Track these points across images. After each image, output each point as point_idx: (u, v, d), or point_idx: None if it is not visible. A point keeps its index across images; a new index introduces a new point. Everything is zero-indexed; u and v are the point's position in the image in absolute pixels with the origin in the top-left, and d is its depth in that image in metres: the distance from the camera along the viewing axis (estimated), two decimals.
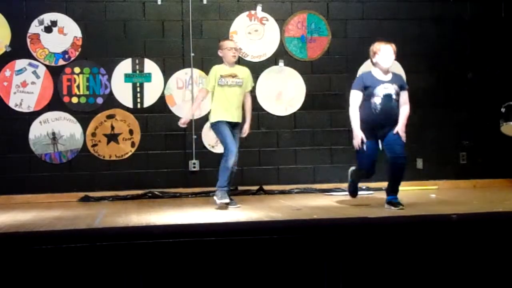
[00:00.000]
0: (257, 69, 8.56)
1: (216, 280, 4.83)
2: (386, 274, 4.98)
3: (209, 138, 8.34)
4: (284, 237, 4.99)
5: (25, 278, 4.66)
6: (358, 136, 6.29)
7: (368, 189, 7.97)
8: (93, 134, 8.29)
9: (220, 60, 7.03)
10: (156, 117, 8.42)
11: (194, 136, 8.42)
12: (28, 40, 8.20)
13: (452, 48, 8.91)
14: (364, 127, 6.32)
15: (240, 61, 8.54)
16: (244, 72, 7.02)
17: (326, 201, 7.29)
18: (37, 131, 8.19)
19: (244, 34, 8.58)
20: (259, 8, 8.60)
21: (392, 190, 6.33)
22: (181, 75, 8.47)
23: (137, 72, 8.39)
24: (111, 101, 8.33)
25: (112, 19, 8.37)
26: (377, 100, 6.29)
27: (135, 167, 8.34)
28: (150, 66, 8.40)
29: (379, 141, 6.36)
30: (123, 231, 5.21)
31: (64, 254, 4.71)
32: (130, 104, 8.38)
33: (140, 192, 8.20)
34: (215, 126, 6.88)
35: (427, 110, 8.80)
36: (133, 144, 8.37)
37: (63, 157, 8.24)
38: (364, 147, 6.29)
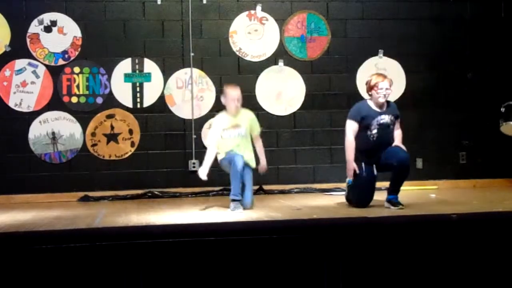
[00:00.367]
0: (256, 69, 8.57)
1: (216, 280, 4.83)
2: (386, 274, 4.98)
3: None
4: (284, 237, 4.99)
5: (25, 278, 4.66)
6: (351, 167, 6.40)
7: None
8: (93, 134, 8.29)
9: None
10: (156, 117, 8.41)
11: (194, 136, 8.42)
12: (28, 40, 8.20)
13: (452, 48, 8.90)
14: (361, 152, 6.43)
15: (240, 61, 8.57)
16: (247, 119, 6.76)
17: (326, 201, 7.29)
18: (37, 131, 8.19)
19: (243, 34, 8.58)
20: (258, 8, 8.59)
21: (394, 190, 6.37)
22: (181, 75, 8.47)
23: (137, 72, 8.39)
24: (110, 101, 8.33)
25: (112, 19, 8.37)
26: (373, 131, 6.42)
27: (135, 167, 8.33)
28: (149, 66, 8.40)
29: (374, 167, 6.45)
30: (122, 231, 5.21)
31: (64, 254, 4.71)
32: (129, 104, 8.38)
33: (139, 192, 8.20)
34: (223, 159, 6.70)
35: (427, 110, 8.81)
36: (132, 144, 8.36)
37: (62, 156, 8.24)
38: (363, 170, 6.39)
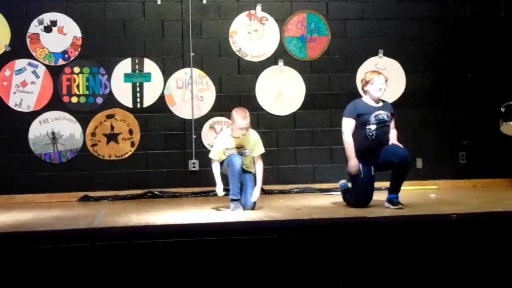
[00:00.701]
0: (256, 69, 8.57)
1: (216, 280, 4.83)
2: (386, 274, 4.98)
3: (208, 138, 8.35)
4: (284, 236, 4.99)
5: (25, 278, 4.66)
6: (355, 163, 6.38)
7: None
8: (93, 134, 8.29)
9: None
10: (156, 117, 8.42)
11: (194, 136, 8.42)
12: (28, 40, 8.20)
13: (452, 48, 8.91)
14: (359, 152, 6.42)
15: (240, 61, 8.57)
16: (251, 141, 6.62)
17: (325, 201, 7.29)
18: (37, 130, 8.19)
19: (243, 33, 8.58)
20: (258, 7, 8.59)
21: (395, 189, 6.37)
22: (181, 74, 8.47)
23: (137, 71, 8.39)
24: (110, 101, 8.33)
25: (111, 19, 8.37)
26: (372, 127, 6.41)
27: (135, 167, 8.34)
28: (149, 65, 8.40)
29: (372, 168, 6.45)
30: (122, 231, 5.21)
31: (64, 253, 4.71)
32: (129, 104, 8.38)
33: (139, 192, 8.20)
34: (221, 163, 6.66)
35: (427, 110, 8.81)
36: (132, 144, 8.37)
37: (62, 156, 8.24)
38: (361, 171, 6.39)
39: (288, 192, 8.30)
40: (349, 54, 8.73)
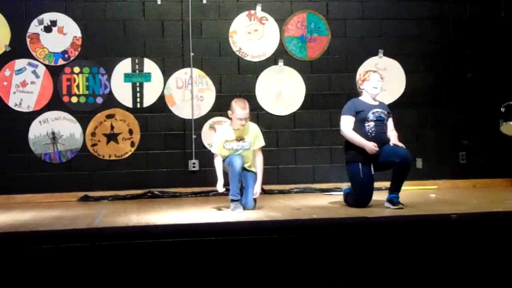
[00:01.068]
0: (256, 69, 8.57)
1: (216, 280, 4.83)
2: (386, 274, 4.98)
3: (208, 138, 8.34)
4: (284, 236, 4.99)
5: (25, 278, 4.66)
6: (368, 144, 6.35)
7: None
8: (93, 134, 8.29)
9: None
10: (156, 117, 8.42)
11: (194, 136, 8.42)
12: (28, 40, 8.20)
13: (452, 48, 8.91)
14: (359, 151, 6.42)
15: (240, 61, 8.57)
16: (251, 133, 6.67)
17: (325, 201, 7.29)
18: (37, 130, 8.19)
19: (243, 33, 8.58)
20: (258, 7, 8.59)
21: (395, 189, 6.37)
22: (181, 74, 8.47)
23: (137, 71, 8.39)
24: (110, 101, 8.33)
25: (111, 19, 8.37)
26: (371, 124, 6.45)
27: (135, 166, 8.34)
28: (149, 65, 8.40)
29: (372, 167, 6.46)
30: (122, 231, 5.21)
31: (64, 253, 4.71)
32: (129, 104, 8.38)
33: (139, 191, 8.20)
34: (223, 161, 6.65)
35: (427, 110, 8.81)
36: (132, 144, 8.36)
37: (62, 156, 8.24)
38: (360, 170, 6.39)
39: (288, 192, 8.30)
40: (349, 54, 8.73)
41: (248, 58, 8.57)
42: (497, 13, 8.99)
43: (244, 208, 6.44)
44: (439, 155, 8.81)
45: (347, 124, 6.48)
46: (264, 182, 7.92)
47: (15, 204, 7.80)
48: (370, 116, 6.44)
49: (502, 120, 7.71)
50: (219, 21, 8.55)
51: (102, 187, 8.21)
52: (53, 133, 8.21)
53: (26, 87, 8.18)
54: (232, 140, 6.61)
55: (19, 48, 8.16)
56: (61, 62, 8.26)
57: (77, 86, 8.29)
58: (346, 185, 6.99)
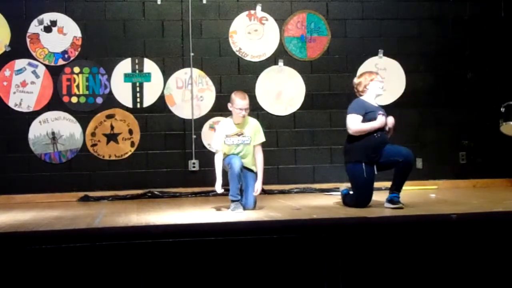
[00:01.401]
0: (256, 69, 8.58)
1: (216, 280, 4.83)
2: (386, 274, 4.97)
3: (208, 138, 8.34)
4: (284, 236, 4.99)
5: (25, 278, 4.66)
6: (378, 122, 6.34)
7: None
8: (93, 134, 8.29)
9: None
10: (156, 117, 8.42)
11: (194, 136, 8.42)
12: (28, 40, 8.21)
13: (452, 48, 8.91)
14: (362, 152, 6.40)
15: (240, 61, 8.57)
16: (252, 128, 6.68)
17: (325, 201, 7.29)
18: (37, 130, 8.19)
19: (243, 33, 8.58)
20: (258, 7, 8.60)
21: (397, 189, 6.37)
22: (181, 74, 8.47)
23: (137, 71, 8.39)
24: (110, 101, 8.33)
25: (111, 19, 8.38)
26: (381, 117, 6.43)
27: (135, 166, 8.34)
28: (149, 65, 8.40)
29: (374, 167, 6.44)
30: (122, 231, 5.21)
31: (64, 253, 4.71)
32: (129, 104, 8.38)
33: (139, 192, 8.20)
34: (223, 160, 6.64)
35: (427, 110, 8.82)
36: (132, 144, 8.37)
37: (62, 156, 8.24)
38: (364, 169, 6.38)
39: (288, 192, 8.31)
40: (349, 54, 8.73)
41: (248, 58, 8.57)
42: (497, 13, 8.99)
43: (244, 208, 6.45)
44: (439, 155, 8.81)
45: (355, 121, 6.42)
46: (264, 182, 7.91)
47: (15, 204, 7.80)
48: (378, 117, 6.43)
49: (502, 120, 7.71)
50: (219, 21, 8.56)
51: (102, 187, 8.21)
52: (53, 133, 8.21)
53: (26, 87, 8.18)
54: (233, 134, 6.62)
55: (19, 48, 8.17)
56: (61, 62, 8.26)
57: (77, 86, 8.29)
58: (345, 186, 6.97)
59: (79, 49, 8.29)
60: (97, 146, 8.30)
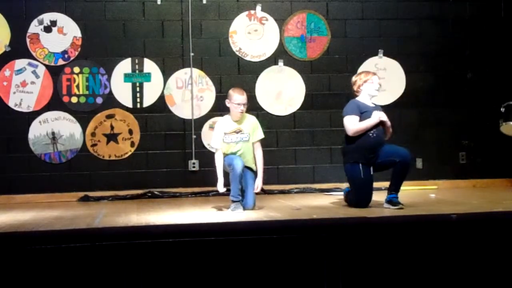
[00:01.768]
0: (256, 69, 8.58)
1: (216, 280, 4.83)
2: (386, 274, 4.98)
3: (208, 138, 8.34)
4: (284, 236, 4.99)
5: (25, 278, 4.66)
6: (374, 118, 6.35)
7: None
8: (93, 134, 8.29)
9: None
10: (156, 117, 8.42)
11: (194, 136, 8.42)
12: (28, 40, 8.20)
13: (452, 48, 8.91)
14: (359, 152, 6.41)
15: (240, 61, 8.57)
16: (250, 125, 6.69)
17: (325, 201, 7.29)
18: (37, 130, 8.19)
19: (243, 34, 8.58)
20: (258, 8, 8.60)
21: (395, 189, 6.37)
22: (181, 74, 8.47)
23: (137, 72, 8.39)
24: (110, 101, 8.33)
25: (111, 19, 8.37)
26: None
27: (135, 167, 8.34)
28: (149, 66, 8.40)
29: (371, 168, 6.44)
30: (122, 231, 5.21)
31: (64, 253, 4.71)
32: (129, 104, 8.38)
33: (139, 192, 8.20)
34: (224, 159, 6.63)
35: (427, 110, 8.82)
36: (132, 144, 8.37)
37: (62, 157, 8.24)
38: (361, 170, 6.38)
39: (288, 192, 8.30)
40: (349, 54, 8.73)
41: (248, 58, 8.57)
42: (497, 13, 8.99)
43: (244, 208, 6.44)
44: (439, 155, 8.81)
45: (352, 122, 6.43)
46: (264, 182, 7.92)
47: (15, 204, 7.80)
48: (374, 113, 6.42)
49: (502, 120, 7.71)
50: (219, 21, 8.55)
51: (102, 187, 8.21)
52: (53, 133, 8.21)
53: (26, 87, 8.18)
54: (231, 132, 6.62)
55: (19, 48, 8.17)
56: (61, 62, 8.26)
57: (77, 86, 8.29)
58: (346, 186, 6.99)
59: (79, 49, 8.29)
60: (97, 146, 8.30)
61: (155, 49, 8.43)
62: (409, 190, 7.75)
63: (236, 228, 5.26)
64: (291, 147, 8.62)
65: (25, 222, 6.00)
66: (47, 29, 8.24)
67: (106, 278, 4.72)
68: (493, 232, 5.15)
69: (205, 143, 8.40)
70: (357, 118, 6.43)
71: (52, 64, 8.24)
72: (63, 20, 8.27)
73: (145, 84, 8.40)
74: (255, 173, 6.69)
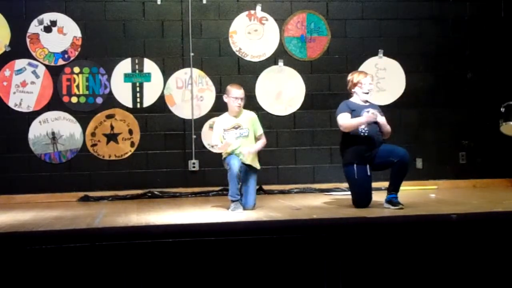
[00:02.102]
0: (256, 69, 8.57)
1: (216, 280, 4.83)
2: (386, 274, 4.98)
3: (208, 138, 8.35)
4: (284, 236, 4.99)
5: (25, 278, 4.66)
6: (363, 117, 6.35)
7: None
8: (93, 134, 8.29)
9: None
10: (156, 117, 8.42)
11: (194, 136, 8.42)
12: (28, 40, 8.20)
13: (452, 48, 8.91)
14: (353, 153, 6.43)
15: (240, 61, 8.57)
16: (248, 120, 6.74)
17: (325, 201, 7.29)
18: (37, 131, 8.19)
19: (243, 34, 8.58)
20: (258, 8, 8.60)
21: (394, 189, 6.37)
22: (181, 74, 8.47)
23: (137, 72, 8.39)
24: (110, 101, 8.33)
25: (111, 19, 8.37)
26: (364, 124, 6.41)
27: (135, 167, 8.34)
28: (149, 66, 8.40)
29: (368, 168, 6.43)
30: (122, 231, 5.21)
31: (64, 254, 4.71)
32: (129, 104, 8.38)
33: (139, 192, 8.20)
34: (224, 159, 6.66)
35: (427, 110, 8.82)
36: (132, 144, 8.37)
37: (62, 157, 8.24)
38: (355, 170, 6.38)
39: (288, 192, 8.30)
40: (349, 54, 8.73)
41: (248, 58, 8.57)
42: (497, 13, 8.99)
43: (244, 208, 6.45)
44: (439, 155, 8.81)
45: (345, 118, 6.47)
46: (264, 182, 7.96)
47: (15, 204, 7.80)
48: (363, 115, 6.43)
49: (502, 120, 7.71)
50: (219, 21, 8.55)
51: (102, 187, 8.21)
52: (53, 133, 8.21)
53: (26, 87, 8.18)
54: (230, 128, 6.64)
55: (19, 48, 8.17)
56: (61, 62, 8.26)
57: (77, 86, 8.29)
58: (346, 186, 6.99)
59: (79, 49, 8.29)
60: (97, 146, 8.30)
61: (155, 49, 8.43)
62: (409, 190, 7.75)
63: (236, 228, 5.26)
64: (291, 147, 8.62)
65: (25, 222, 6.01)
66: (47, 29, 8.24)
67: (106, 278, 4.72)
68: (493, 232, 5.15)
69: (205, 143, 8.40)
70: (348, 115, 6.47)
71: (52, 64, 8.24)
72: (63, 20, 8.27)
73: (145, 84, 8.40)
74: (256, 172, 6.70)
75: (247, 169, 6.58)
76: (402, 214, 5.91)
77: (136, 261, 4.74)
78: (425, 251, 5.02)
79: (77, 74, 8.28)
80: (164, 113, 8.42)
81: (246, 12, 8.59)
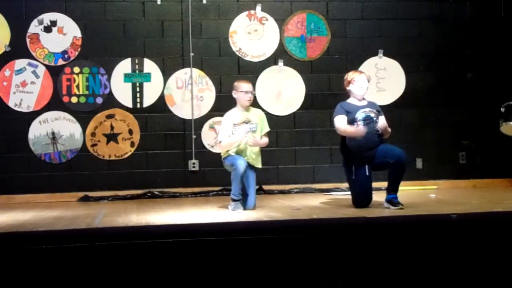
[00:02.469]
0: (256, 69, 8.57)
1: (216, 280, 4.84)
2: (386, 274, 4.98)
3: (208, 138, 8.35)
4: (284, 236, 4.99)
5: (25, 278, 4.66)
6: (357, 130, 6.35)
7: None
8: (93, 134, 8.29)
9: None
10: (156, 117, 8.42)
11: (194, 136, 8.42)
12: (28, 40, 8.20)
13: (452, 48, 8.91)
14: (351, 154, 6.45)
15: (240, 61, 8.57)
16: (258, 116, 6.79)
17: (325, 201, 7.29)
18: (37, 131, 8.19)
19: (243, 34, 8.58)
20: (258, 8, 8.59)
21: (393, 189, 6.36)
22: (181, 74, 8.47)
23: (137, 72, 8.39)
24: (110, 101, 8.33)
25: (111, 19, 8.37)
26: (360, 124, 6.42)
27: (135, 167, 8.34)
28: (149, 66, 8.40)
29: (367, 168, 6.42)
30: (122, 231, 5.21)
31: (64, 254, 4.71)
32: (129, 104, 8.38)
33: (139, 192, 8.20)
34: (226, 159, 6.66)
35: (426, 110, 8.81)
36: (132, 144, 8.36)
37: (62, 157, 8.24)
38: (353, 171, 6.39)
39: (288, 192, 8.30)
40: (349, 54, 8.73)
41: (248, 58, 8.57)
42: (497, 13, 8.99)
43: (245, 208, 6.45)
44: (439, 155, 8.81)
45: (340, 121, 6.49)
46: (264, 182, 7.96)
47: (15, 204, 7.80)
48: (358, 116, 6.44)
49: (502, 120, 7.70)
50: (219, 21, 8.55)
51: (102, 187, 8.21)
52: (53, 133, 8.21)
53: (26, 87, 8.18)
54: (240, 122, 6.63)
55: (19, 48, 8.16)
56: (61, 62, 8.26)
57: (77, 86, 8.29)
58: (346, 186, 6.99)
59: (79, 49, 8.29)
60: (97, 146, 8.30)
61: (155, 49, 8.43)
62: (409, 190, 7.75)
63: (236, 228, 5.26)
64: (291, 147, 8.62)
65: (25, 222, 6.01)
66: (47, 29, 8.24)
67: (106, 278, 4.72)
68: (493, 232, 5.15)
69: (205, 143, 8.40)
70: (344, 117, 6.48)
71: (52, 64, 8.24)
72: (63, 20, 8.27)
73: (145, 84, 8.40)
74: (257, 171, 6.71)
75: (248, 168, 6.57)
76: (402, 214, 5.91)
77: (136, 261, 4.74)
78: (425, 251, 5.02)
79: (77, 74, 8.28)
80: (164, 113, 8.42)
81: (246, 12, 8.59)
